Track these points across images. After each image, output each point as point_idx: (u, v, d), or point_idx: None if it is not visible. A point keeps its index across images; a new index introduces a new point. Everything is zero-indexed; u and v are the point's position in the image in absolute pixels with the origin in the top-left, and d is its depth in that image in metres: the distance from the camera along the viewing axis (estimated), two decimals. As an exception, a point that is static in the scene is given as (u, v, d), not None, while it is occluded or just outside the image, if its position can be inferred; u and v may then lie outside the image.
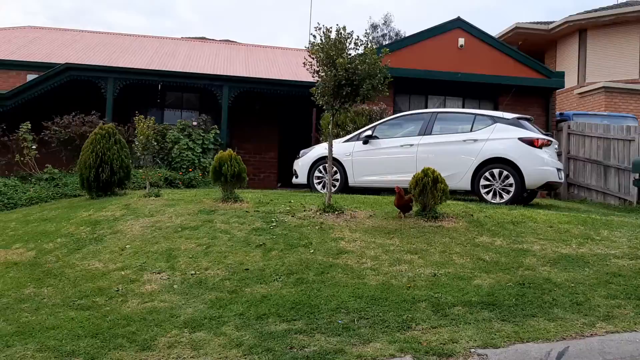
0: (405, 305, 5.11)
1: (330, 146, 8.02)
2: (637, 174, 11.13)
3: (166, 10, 63.27)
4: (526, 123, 9.71)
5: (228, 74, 14.12)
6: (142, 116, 9.36)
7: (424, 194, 7.50)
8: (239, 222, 7.40)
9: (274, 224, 7.32)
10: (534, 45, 21.96)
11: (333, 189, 10.24)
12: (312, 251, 6.48)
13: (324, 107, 7.79)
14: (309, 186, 10.74)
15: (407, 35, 13.55)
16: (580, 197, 13.09)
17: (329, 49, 7.51)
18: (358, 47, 7.64)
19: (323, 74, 7.64)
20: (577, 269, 6.05)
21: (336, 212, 7.72)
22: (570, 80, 21.19)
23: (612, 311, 5.06)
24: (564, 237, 7.09)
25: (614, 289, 5.55)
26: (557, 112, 15.42)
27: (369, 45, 7.63)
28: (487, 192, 9.35)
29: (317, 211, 7.80)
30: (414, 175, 7.62)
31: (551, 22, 21.64)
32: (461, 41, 13.72)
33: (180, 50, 17.60)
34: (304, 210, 7.92)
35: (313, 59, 7.66)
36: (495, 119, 9.63)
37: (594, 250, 6.62)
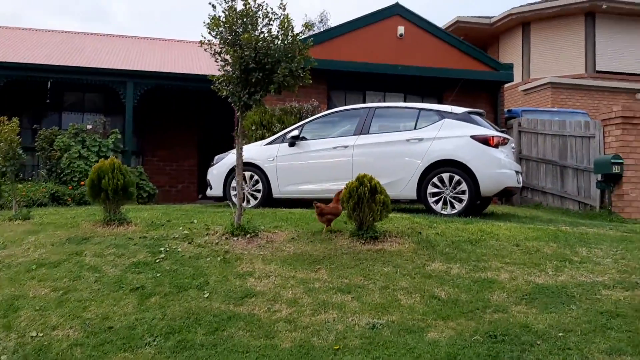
0: (328, 388, 3.43)
1: (239, 150, 6.28)
2: (600, 175, 9.90)
3: (104, 16, 59.85)
4: (478, 118, 8.25)
5: (132, 69, 12.00)
6: (5, 117, 7.34)
7: (359, 209, 5.85)
8: (116, 255, 5.55)
9: (163, 255, 5.51)
10: (476, 40, 20.77)
11: (254, 202, 8.52)
12: (207, 295, 4.73)
13: (230, 99, 6.04)
14: (225, 199, 8.94)
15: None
16: (535, 201, 11.84)
17: (233, 23, 5.77)
18: (271, 23, 5.92)
19: (227, 56, 5.89)
20: (562, 307, 4.53)
21: (248, 236, 5.98)
22: (514, 77, 20.17)
23: (625, 380, 3.54)
24: (535, 259, 5.59)
25: (615, 337, 4.04)
26: (505, 109, 14.21)
27: (286, 22, 5.91)
28: (436, 201, 7.82)
29: (223, 235, 6.04)
30: (346, 185, 5.99)
31: (493, 17, 20.63)
32: (400, 30, 12.23)
33: (88, 45, 15.41)
34: (207, 234, 6.14)
35: (213, 36, 5.90)
36: (442, 114, 8.12)
37: (577, 277, 5.13)
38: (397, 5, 12.27)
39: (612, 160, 9.48)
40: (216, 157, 9.24)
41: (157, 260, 5.38)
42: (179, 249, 5.66)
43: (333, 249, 5.73)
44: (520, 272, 5.21)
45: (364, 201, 5.81)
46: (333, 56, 11.84)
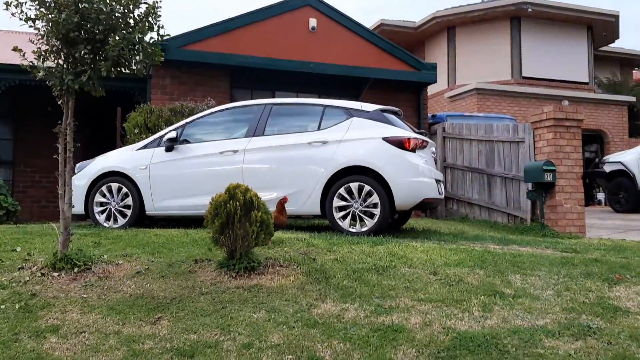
0: None
1: (65, 155, 4.67)
2: (531, 184, 8.84)
3: None
4: (393, 117, 6.96)
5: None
6: None
7: (229, 231, 4.36)
8: None
9: None
10: (401, 45, 19.82)
11: (122, 221, 6.90)
12: (-33, 370, 3.09)
13: (48, 82, 4.42)
14: (88, 217, 7.24)
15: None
16: (461, 214, 10.72)
17: (49, -22, 4.18)
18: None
19: (43, 23, 4.28)
20: (492, 370, 3.18)
21: (76, 270, 4.37)
22: (440, 83, 19.31)
23: None
24: (457, 293, 4.26)
25: (569, 422, 2.71)
26: (430, 115, 13.13)
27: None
28: (344, 217, 6.44)
29: (42, 269, 4.39)
30: (212, 199, 4.48)
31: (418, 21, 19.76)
32: (312, 22, 10.88)
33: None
34: (21, 268, 4.47)
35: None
36: (351, 112, 6.77)
37: (511, 320, 3.82)
38: (307, -6, 10.94)
39: (544, 167, 8.44)
40: (78, 164, 7.51)
41: None
42: (-36, 293, 3.97)
43: (190, 286, 4.20)
44: (437, 314, 3.85)
45: (234, 221, 4.33)
46: (235, 50, 10.34)
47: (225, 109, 7.30)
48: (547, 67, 18.84)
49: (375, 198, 6.30)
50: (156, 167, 6.94)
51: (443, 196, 7.19)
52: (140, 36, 4.20)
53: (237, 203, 4.34)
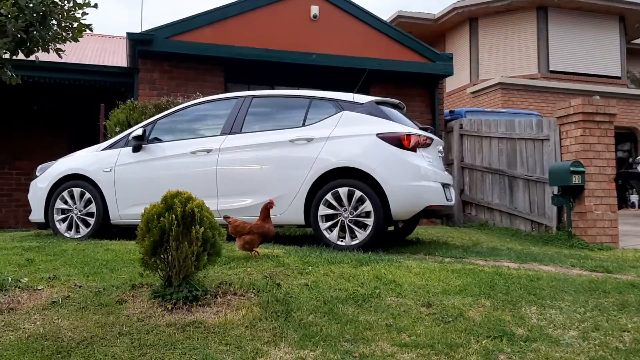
0: None
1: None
2: (557, 188, 7.75)
3: None
4: (392, 111, 5.98)
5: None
6: None
7: (163, 251, 3.46)
8: None
9: None
10: (420, 39, 18.80)
11: (85, 231, 6.13)
12: None
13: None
14: (48, 225, 6.43)
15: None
16: (480, 219, 9.66)
17: None
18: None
19: None
20: None
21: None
22: (462, 78, 18.26)
23: None
24: (453, 333, 3.29)
25: None
26: (447, 110, 12.07)
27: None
28: (331, 228, 5.49)
29: None
30: (144, 211, 3.60)
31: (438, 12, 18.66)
32: (314, 10, 9.93)
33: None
34: None
35: None
36: (341, 105, 5.81)
37: (521, 379, 2.83)
38: (309, -21, 9.99)
39: (572, 169, 7.36)
40: (39, 166, 6.73)
41: None
42: None
43: (110, 323, 3.31)
44: (423, 368, 2.89)
45: (169, 239, 3.43)
46: (230, 40, 9.47)
47: (200, 103, 6.41)
48: (577, 60, 17.56)
49: (367, 205, 5.34)
50: (122, 170, 6.09)
51: (453, 202, 6.18)
52: (47, 5, 3.31)
53: (174, 216, 3.44)
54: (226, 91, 9.81)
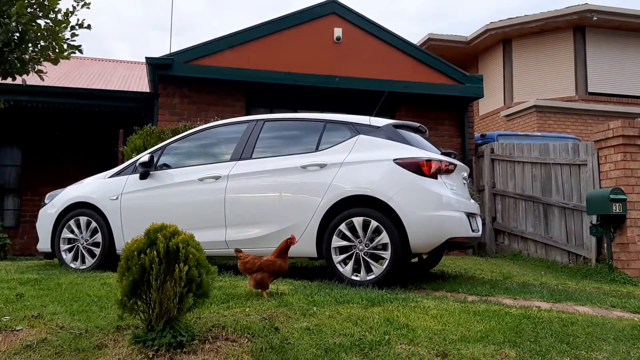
0: None
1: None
2: (595, 217, 7.18)
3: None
4: (412, 135, 5.59)
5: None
6: None
7: (143, 291, 3.13)
8: None
9: None
10: (452, 62, 18.36)
11: (90, 262, 5.90)
12: None
13: None
14: (54, 255, 6.21)
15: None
16: (513, 249, 9.09)
17: None
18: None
19: None
20: None
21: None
22: (495, 101, 17.72)
23: None
24: (470, 392, 2.83)
25: None
26: (478, 134, 11.59)
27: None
28: (345, 261, 5.08)
29: None
30: (126, 246, 3.27)
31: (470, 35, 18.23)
32: (338, 32, 9.66)
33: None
34: None
35: None
36: (357, 129, 5.45)
37: None
38: (332, 1, 9.72)
39: (612, 196, 6.80)
40: (48, 194, 6.53)
41: None
42: None
43: (83, 371, 2.97)
44: None
45: (151, 278, 3.09)
46: (251, 64, 9.26)
47: (211, 127, 6.14)
48: (617, 81, 16.84)
49: (384, 237, 4.93)
50: (128, 198, 5.84)
51: (479, 234, 5.71)
52: (23, 22, 3.07)
53: (156, 252, 3.11)
54: (248, 115, 9.58)
